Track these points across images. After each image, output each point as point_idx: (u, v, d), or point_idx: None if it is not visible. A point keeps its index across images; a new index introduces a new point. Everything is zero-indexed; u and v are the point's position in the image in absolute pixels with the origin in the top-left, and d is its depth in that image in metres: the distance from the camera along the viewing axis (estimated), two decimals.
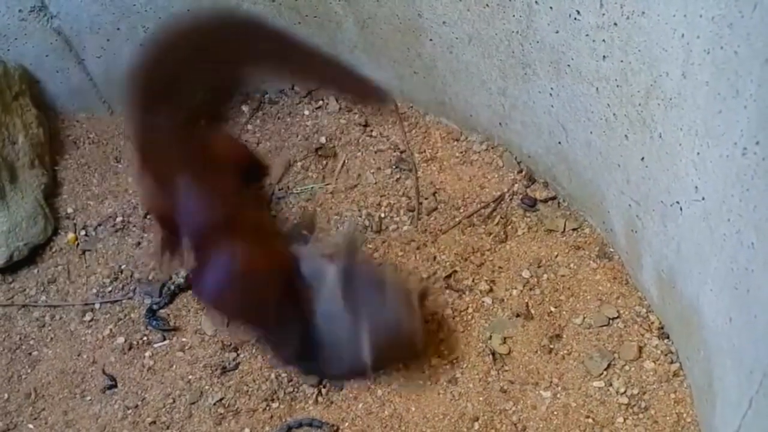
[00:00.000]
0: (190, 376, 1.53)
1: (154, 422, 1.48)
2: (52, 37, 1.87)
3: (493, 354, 1.49)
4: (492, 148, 1.81)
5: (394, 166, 1.82)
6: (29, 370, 1.60)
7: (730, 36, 0.94)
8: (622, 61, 1.24)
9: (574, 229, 1.65)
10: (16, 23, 1.82)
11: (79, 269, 1.75)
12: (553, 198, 1.72)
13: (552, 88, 1.51)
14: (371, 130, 1.91)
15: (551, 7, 1.34)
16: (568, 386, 1.43)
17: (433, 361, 1.49)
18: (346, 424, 1.44)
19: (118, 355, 1.59)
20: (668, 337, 1.45)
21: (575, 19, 1.31)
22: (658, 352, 1.44)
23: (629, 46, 1.21)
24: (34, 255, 1.76)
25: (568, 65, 1.40)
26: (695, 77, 1.05)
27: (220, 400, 1.49)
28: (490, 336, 1.51)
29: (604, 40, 1.27)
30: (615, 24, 1.21)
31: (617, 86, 1.30)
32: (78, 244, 1.79)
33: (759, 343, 0.98)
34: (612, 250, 1.60)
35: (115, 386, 1.55)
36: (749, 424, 1.04)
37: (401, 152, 1.84)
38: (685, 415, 1.35)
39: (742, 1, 0.91)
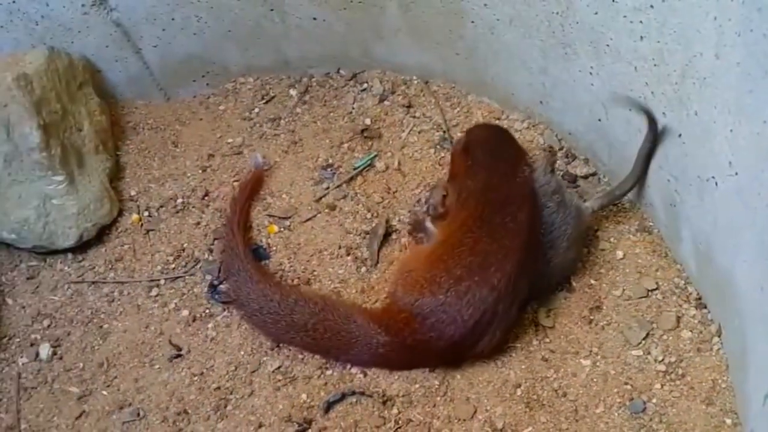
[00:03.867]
0: (250, 346, 1.63)
1: (219, 388, 1.58)
2: (112, 29, 1.96)
3: (536, 325, 1.55)
4: (533, 126, 1.86)
5: (437, 146, 1.88)
6: (101, 342, 1.69)
7: (759, 20, 0.97)
8: (658, 42, 1.28)
9: (614, 204, 1.69)
10: (78, 17, 1.91)
11: (143, 248, 1.84)
12: (594, 174, 1.76)
13: (592, 67, 1.54)
14: (414, 111, 1.97)
15: None
16: (607, 355, 1.49)
17: None
18: (394, 390, 1.52)
19: (183, 327, 1.68)
20: (705, 307, 1.49)
21: (613, 1, 1.34)
22: (696, 321, 1.48)
23: (665, 28, 1.24)
24: (101, 235, 1.84)
25: (607, 45, 1.44)
26: (727, 58, 1.09)
27: (278, 368, 1.59)
28: (537, 309, 1.58)
29: (641, 22, 1.30)
30: (651, 6, 1.25)
31: (654, 65, 1.33)
32: (142, 224, 1.87)
33: None
34: (651, 224, 1.64)
35: (182, 355, 1.65)
36: None
37: (444, 132, 1.89)
38: (720, 381, 1.40)
39: None
